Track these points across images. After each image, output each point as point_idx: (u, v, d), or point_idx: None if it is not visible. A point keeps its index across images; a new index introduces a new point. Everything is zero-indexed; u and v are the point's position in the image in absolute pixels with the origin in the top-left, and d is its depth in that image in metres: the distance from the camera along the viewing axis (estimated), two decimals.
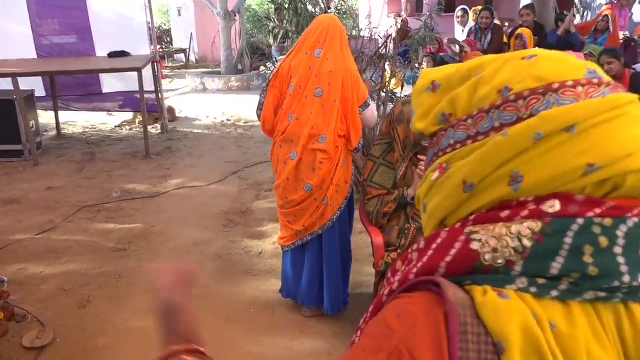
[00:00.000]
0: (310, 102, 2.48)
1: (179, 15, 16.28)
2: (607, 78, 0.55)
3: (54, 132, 6.75)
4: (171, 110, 7.61)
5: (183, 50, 14.73)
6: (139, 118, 6.98)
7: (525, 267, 0.49)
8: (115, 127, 7.26)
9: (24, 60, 6.42)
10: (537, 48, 5.27)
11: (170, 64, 14.38)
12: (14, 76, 5.25)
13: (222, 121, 7.66)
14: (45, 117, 7.05)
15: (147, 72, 6.14)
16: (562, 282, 0.48)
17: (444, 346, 0.47)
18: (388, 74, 4.35)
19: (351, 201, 2.74)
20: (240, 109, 7.85)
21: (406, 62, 5.39)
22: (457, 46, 6.42)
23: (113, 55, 6.43)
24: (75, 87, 7.10)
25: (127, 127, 7.23)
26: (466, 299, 0.49)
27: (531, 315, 0.47)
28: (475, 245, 0.51)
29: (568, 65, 0.54)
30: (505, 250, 0.49)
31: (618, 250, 0.48)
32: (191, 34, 14.58)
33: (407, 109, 2.44)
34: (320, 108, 2.47)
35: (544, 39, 6.20)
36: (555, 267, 0.48)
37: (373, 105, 2.67)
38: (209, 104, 8.50)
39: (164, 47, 15.77)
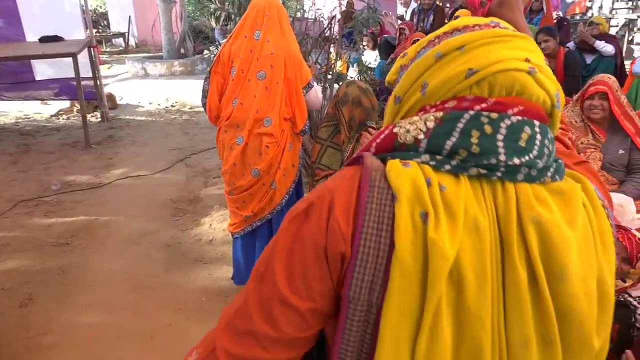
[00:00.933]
0: (253, 85, 2.44)
1: None
2: (506, 27, 0.71)
3: None
4: (111, 97, 7.31)
5: (121, 34, 14.12)
6: (77, 106, 6.67)
7: (428, 144, 0.66)
8: (52, 116, 6.90)
9: None
10: None
11: (108, 49, 13.78)
12: None
13: (166, 107, 7.44)
14: None
15: (84, 57, 5.86)
16: (454, 158, 0.64)
17: (355, 191, 0.66)
18: (333, 56, 4.36)
19: (299, 184, 2.74)
20: (184, 95, 7.65)
21: (351, 44, 5.41)
22: (397, 27, 6.49)
23: (44, 40, 6.08)
24: (5, 74, 6.67)
25: (65, 116, 6.89)
26: (380, 166, 0.67)
27: (422, 177, 0.64)
28: (395, 129, 0.69)
29: (478, 19, 0.72)
30: (415, 130, 0.67)
31: (499, 137, 0.64)
32: (129, 17, 13.99)
33: (350, 89, 2.46)
34: (264, 91, 2.44)
35: None
36: (449, 144, 0.65)
37: (317, 87, 2.66)
38: (151, 90, 8.22)
39: (100, 31, 15.06)
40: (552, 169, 0.66)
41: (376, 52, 6.74)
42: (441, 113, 0.66)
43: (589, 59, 5.53)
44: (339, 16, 4.40)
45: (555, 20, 6.66)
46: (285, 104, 2.48)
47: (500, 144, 0.64)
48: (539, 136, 0.65)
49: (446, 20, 6.15)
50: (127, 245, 3.44)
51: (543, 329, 0.62)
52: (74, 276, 3.07)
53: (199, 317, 2.68)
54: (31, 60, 6.43)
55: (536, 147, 0.65)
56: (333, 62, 4.30)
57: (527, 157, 0.64)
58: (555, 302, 0.61)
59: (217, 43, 6.88)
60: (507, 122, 0.64)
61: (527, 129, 0.65)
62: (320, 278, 0.66)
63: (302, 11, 5.08)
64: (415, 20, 6.85)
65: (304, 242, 0.67)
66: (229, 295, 2.86)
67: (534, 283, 0.62)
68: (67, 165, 5.00)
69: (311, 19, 4.57)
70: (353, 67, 6.06)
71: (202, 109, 2.90)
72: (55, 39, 6.13)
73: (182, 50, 10.32)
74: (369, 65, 6.10)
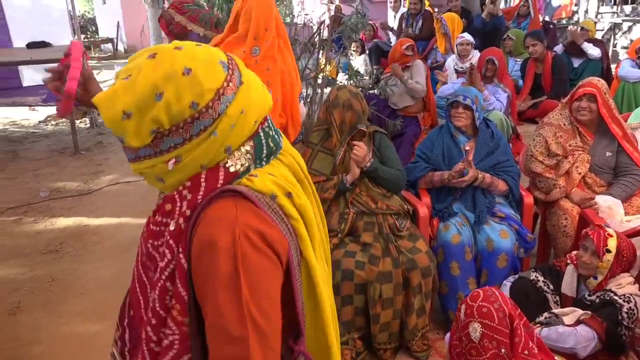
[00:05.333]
0: None
1: (104, 3, 15.50)
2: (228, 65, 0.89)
3: None
4: None
5: (110, 40, 14.06)
6: None
7: (255, 162, 0.91)
8: (39, 122, 6.84)
9: None
10: (463, 33, 5.45)
11: (96, 55, 13.70)
12: None
13: None
14: None
15: None
16: (266, 157, 0.93)
17: (255, 211, 0.85)
18: (322, 61, 4.36)
19: None
20: None
21: (340, 49, 5.42)
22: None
23: (32, 45, 6.04)
24: None
25: (53, 122, 6.83)
26: (244, 188, 0.87)
27: (270, 175, 0.91)
28: (232, 168, 0.88)
29: (212, 71, 0.83)
30: (246, 161, 0.89)
31: (275, 135, 0.97)
32: (118, 22, 13.93)
33: (341, 93, 2.47)
34: None
35: (470, 23, 6.45)
36: (265, 154, 0.92)
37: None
38: None
39: (88, 36, 14.98)
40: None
41: (363, 57, 6.75)
42: (251, 142, 0.90)
43: (576, 62, 5.60)
44: (327, 21, 4.41)
45: (541, 25, 6.74)
46: (280, 115, 2.46)
47: (278, 138, 0.97)
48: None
49: (435, 25, 6.18)
50: (118, 252, 3.41)
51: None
52: (64, 284, 3.04)
53: None
54: (18, 67, 6.39)
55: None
56: (322, 66, 4.31)
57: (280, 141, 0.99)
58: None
59: None
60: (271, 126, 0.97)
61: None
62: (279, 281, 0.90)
63: (291, 16, 5.08)
64: (403, 25, 6.88)
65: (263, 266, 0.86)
66: None
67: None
68: (56, 171, 4.95)
69: (300, 24, 4.57)
70: (343, 72, 6.07)
71: None
72: (43, 44, 6.09)
73: None
74: (358, 70, 6.12)
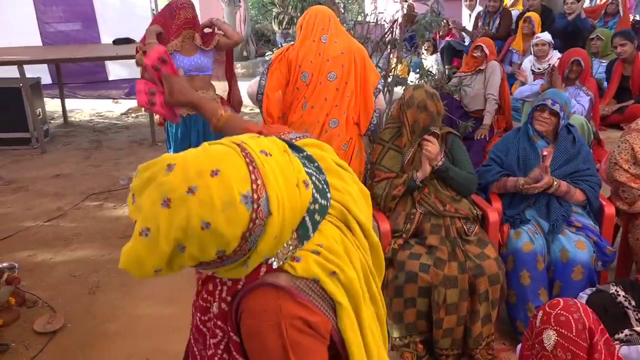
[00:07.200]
0: (324, 88, 2.48)
1: None
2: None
3: (60, 120, 6.75)
4: None
5: None
6: None
7: (301, 243, 0.87)
8: (121, 114, 7.26)
9: (30, 47, 6.41)
10: (542, 32, 5.20)
11: None
12: (20, 64, 5.24)
13: None
14: (52, 105, 7.05)
15: None
16: (313, 231, 0.89)
17: (297, 300, 0.84)
18: (394, 60, 4.32)
19: None
20: (245, 95, 7.81)
21: (412, 48, 5.34)
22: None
23: (118, 42, 6.40)
24: (81, 74, 7.10)
25: (133, 115, 7.23)
26: (284, 281, 0.85)
27: (314, 254, 0.87)
28: (275, 265, 0.85)
29: (234, 217, 0.75)
30: (289, 252, 0.86)
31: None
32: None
33: (417, 93, 2.43)
34: (335, 93, 2.47)
35: (551, 24, 6.11)
36: (311, 230, 0.88)
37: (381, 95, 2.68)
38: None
39: None
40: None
41: (435, 57, 6.62)
42: (295, 234, 0.86)
43: None
44: (400, 20, 4.36)
45: (632, 24, 6.29)
46: (355, 104, 2.49)
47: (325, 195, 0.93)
48: None
49: (520, 24, 5.92)
50: None
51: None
52: None
53: None
54: (105, 61, 6.81)
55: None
56: (394, 66, 4.26)
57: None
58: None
59: (279, 46, 6.99)
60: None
61: None
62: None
63: (363, 14, 5.06)
64: (479, 24, 6.67)
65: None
66: None
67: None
68: (134, 161, 5.24)
69: (372, 22, 4.54)
70: (414, 71, 5.98)
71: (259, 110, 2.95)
72: (127, 41, 6.44)
73: (245, 53, 10.58)
74: (430, 70, 6.00)
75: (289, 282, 0.85)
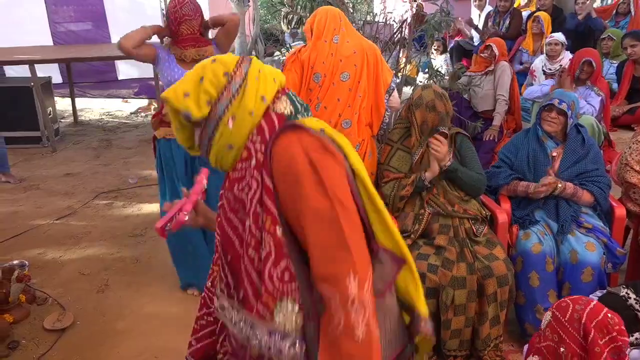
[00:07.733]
0: (337, 88, 2.49)
1: None
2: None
3: (70, 119, 6.80)
4: None
5: None
6: (154, 105, 7.01)
7: (297, 112, 1.18)
8: (131, 113, 7.30)
9: (40, 47, 6.46)
10: (554, 33, 5.16)
11: None
12: (31, 63, 5.29)
13: None
14: (62, 104, 7.11)
15: None
16: (304, 111, 1.18)
17: (312, 135, 1.08)
18: (403, 60, 4.31)
19: None
20: None
21: (422, 48, 5.32)
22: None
23: None
24: (91, 74, 7.14)
25: (143, 114, 7.26)
26: (298, 122, 1.12)
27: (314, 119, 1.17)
28: (280, 111, 1.15)
29: (229, 56, 1.15)
30: (288, 105, 1.15)
31: None
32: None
33: (425, 93, 2.42)
34: (347, 93, 2.48)
35: (562, 23, 6.06)
36: (300, 108, 1.17)
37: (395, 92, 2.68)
38: None
39: None
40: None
41: (444, 57, 6.59)
42: (284, 96, 1.14)
43: None
44: (409, 19, 4.34)
45: None
46: (367, 105, 2.49)
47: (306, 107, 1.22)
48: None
49: (529, 24, 5.88)
50: None
51: None
52: (146, 266, 3.23)
53: None
54: (115, 61, 6.85)
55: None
56: (402, 66, 4.25)
57: None
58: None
59: (287, 46, 6.99)
60: None
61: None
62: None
63: (372, 14, 5.05)
64: (489, 23, 6.63)
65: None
66: None
67: None
68: (144, 160, 5.26)
69: (381, 22, 4.53)
70: (423, 71, 5.96)
71: None
72: None
73: (254, 52, 10.58)
74: (439, 70, 5.98)
75: (303, 124, 1.08)
